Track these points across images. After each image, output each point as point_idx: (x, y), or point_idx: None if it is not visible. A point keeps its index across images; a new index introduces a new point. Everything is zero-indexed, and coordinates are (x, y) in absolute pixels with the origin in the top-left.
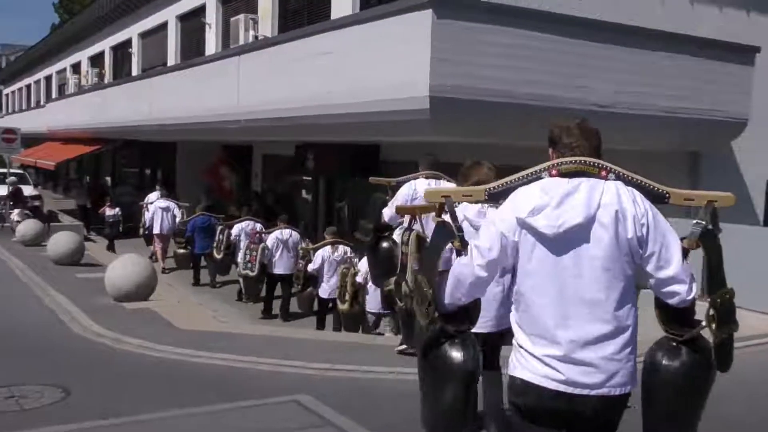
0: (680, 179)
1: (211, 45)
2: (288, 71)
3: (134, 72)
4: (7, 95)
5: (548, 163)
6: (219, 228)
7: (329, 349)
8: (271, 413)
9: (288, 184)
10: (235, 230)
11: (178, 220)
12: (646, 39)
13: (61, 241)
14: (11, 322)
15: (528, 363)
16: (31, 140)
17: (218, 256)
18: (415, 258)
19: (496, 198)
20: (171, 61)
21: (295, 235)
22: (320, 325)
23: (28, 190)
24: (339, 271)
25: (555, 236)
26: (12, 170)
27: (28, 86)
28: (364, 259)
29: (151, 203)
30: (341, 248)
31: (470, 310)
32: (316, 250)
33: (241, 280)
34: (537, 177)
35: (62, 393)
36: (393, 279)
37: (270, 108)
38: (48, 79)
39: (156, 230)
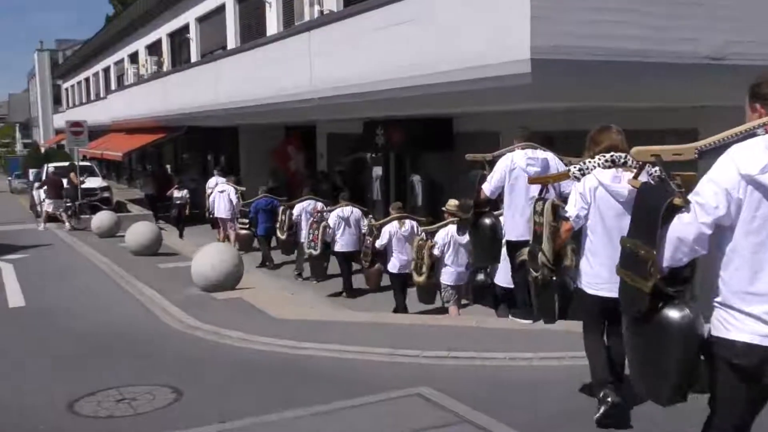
0: None
1: (273, 24)
2: (361, 45)
3: (193, 58)
4: (66, 89)
5: (763, 120)
6: (281, 208)
7: (439, 334)
8: (396, 409)
9: (356, 162)
10: (296, 210)
11: (235, 203)
12: None
13: (139, 232)
14: (104, 316)
15: (744, 324)
16: (93, 133)
17: (282, 236)
18: (550, 227)
19: (706, 156)
20: (231, 44)
21: (356, 211)
22: (404, 308)
23: (96, 182)
24: (414, 243)
25: None
26: (81, 163)
27: (87, 79)
28: (440, 232)
29: (212, 187)
30: (408, 223)
31: (685, 269)
32: (382, 226)
33: (301, 259)
34: (752, 134)
35: (173, 393)
36: (526, 250)
37: (345, 84)
38: (106, 71)
39: (216, 213)
